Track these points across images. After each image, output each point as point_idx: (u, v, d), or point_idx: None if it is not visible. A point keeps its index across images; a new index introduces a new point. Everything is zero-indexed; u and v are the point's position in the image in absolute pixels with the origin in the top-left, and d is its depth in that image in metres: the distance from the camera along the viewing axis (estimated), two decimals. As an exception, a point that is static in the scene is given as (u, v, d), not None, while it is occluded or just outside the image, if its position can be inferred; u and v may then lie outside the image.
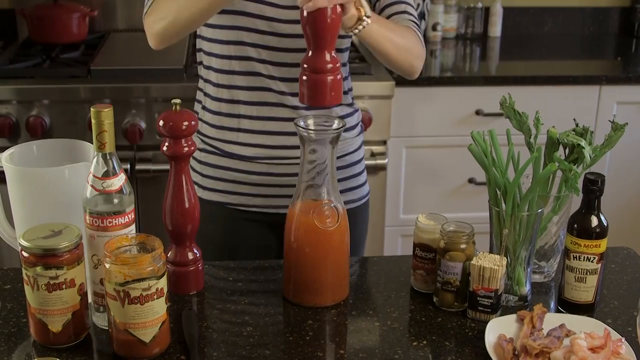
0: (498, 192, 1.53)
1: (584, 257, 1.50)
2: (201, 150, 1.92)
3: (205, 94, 1.91)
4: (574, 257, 1.50)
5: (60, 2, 3.28)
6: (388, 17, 1.85)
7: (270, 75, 1.81)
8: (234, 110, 1.86)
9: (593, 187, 1.48)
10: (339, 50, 1.84)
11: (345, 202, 1.88)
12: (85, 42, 3.30)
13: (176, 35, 1.77)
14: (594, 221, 1.49)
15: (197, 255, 1.59)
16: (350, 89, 1.95)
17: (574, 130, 1.60)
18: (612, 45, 3.79)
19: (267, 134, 1.85)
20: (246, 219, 1.92)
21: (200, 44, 1.90)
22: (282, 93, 1.82)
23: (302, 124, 1.50)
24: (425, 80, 3.08)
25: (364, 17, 1.61)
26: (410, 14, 1.88)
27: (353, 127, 1.95)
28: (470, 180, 3.20)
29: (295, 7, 1.73)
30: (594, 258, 1.49)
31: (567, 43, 3.74)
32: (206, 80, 1.90)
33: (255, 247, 1.90)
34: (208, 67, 1.88)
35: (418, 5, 3.48)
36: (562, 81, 3.13)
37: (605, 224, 1.50)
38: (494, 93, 2.82)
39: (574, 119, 1.68)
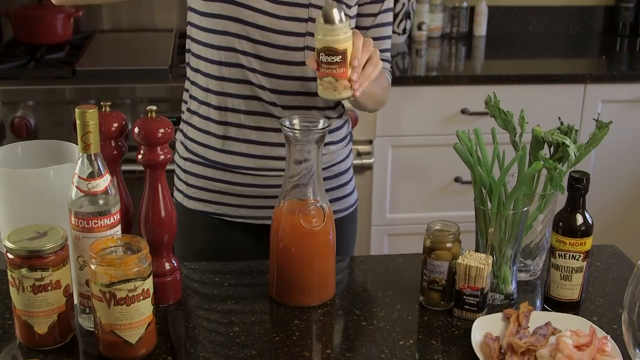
0: (483, 191, 1.53)
1: (570, 255, 1.50)
2: (185, 159, 1.91)
3: (192, 97, 1.88)
4: (559, 255, 1.51)
5: (44, 3, 3.27)
6: None
7: (260, 85, 1.79)
8: (221, 117, 1.83)
9: (578, 186, 1.49)
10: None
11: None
12: (70, 42, 3.29)
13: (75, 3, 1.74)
14: (579, 219, 1.50)
15: (175, 265, 1.56)
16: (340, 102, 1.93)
17: (558, 128, 1.61)
18: (597, 44, 3.80)
19: (253, 144, 1.83)
20: (231, 229, 1.90)
21: (189, 44, 1.87)
22: (272, 104, 1.79)
23: (287, 123, 1.50)
24: (410, 80, 3.08)
25: None
26: (387, 53, 1.91)
27: (342, 140, 1.93)
28: (456, 179, 3.20)
29: (291, 19, 1.72)
30: (580, 256, 1.50)
31: (552, 42, 3.75)
32: (193, 83, 1.87)
33: (241, 257, 1.88)
34: (196, 70, 1.85)
35: (403, 4, 3.48)
36: (547, 80, 3.14)
37: (590, 222, 1.50)
38: (479, 92, 2.82)
39: (559, 118, 1.69)
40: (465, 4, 3.68)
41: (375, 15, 1.85)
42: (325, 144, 1.86)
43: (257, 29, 1.74)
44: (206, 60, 1.81)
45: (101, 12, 3.49)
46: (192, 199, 1.91)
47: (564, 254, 1.50)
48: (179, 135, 1.94)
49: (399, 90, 3.03)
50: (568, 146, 1.54)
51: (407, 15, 3.53)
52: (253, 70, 1.78)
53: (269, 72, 1.78)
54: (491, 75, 3.14)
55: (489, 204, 1.53)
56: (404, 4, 3.49)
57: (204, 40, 1.80)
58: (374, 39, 1.86)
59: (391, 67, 1.94)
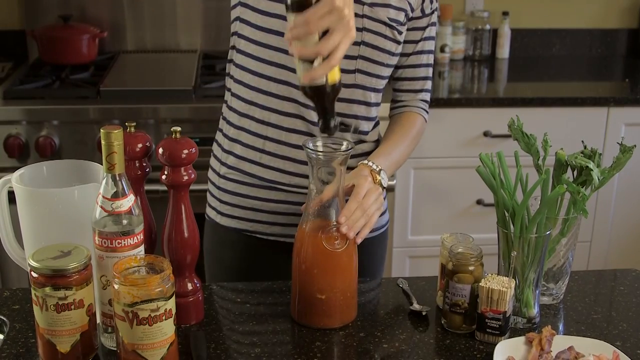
0: (506, 214, 1.53)
1: None
2: (220, 176, 1.91)
3: (232, 109, 1.87)
4: None
5: (70, 23, 3.30)
6: (402, 89, 1.93)
7: (305, 104, 1.78)
8: (262, 132, 1.83)
9: None
10: (381, 77, 1.84)
11: None
12: (94, 63, 3.32)
13: None
14: None
15: (197, 285, 1.57)
16: (377, 116, 1.92)
17: (582, 152, 1.60)
18: (620, 66, 3.79)
19: (290, 161, 1.82)
20: (263, 246, 1.90)
21: (233, 55, 1.86)
22: (313, 123, 1.79)
23: (310, 145, 1.50)
24: (433, 102, 3.07)
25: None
26: (427, 93, 1.95)
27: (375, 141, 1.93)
28: (479, 202, 3.20)
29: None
30: None
31: (575, 65, 3.75)
32: (234, 95, 1.86)
33: (271, 275, 1.87)
34: (239, 82, 1.84)
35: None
36: (570, 103, 3.13)
37: None
38: (502, 114, 2.83)
39: (582, 141, 1.68)
40: (488, 27, 3.69)
41: (416, 42, 1.87)
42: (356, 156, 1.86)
43: None
44: (254, 73, 1.80)
45: (125, 33, 3.51)
46: (225, 215, 1.92)
47: None
48: (215, 149, 1.95)
49: (422, 112, 3.03)
50: (592, 170, 1.53)
51: (430, 38, 3.54)
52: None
53: None
54: (514, 97, 3.14)
55: (511, 227, 1.52)
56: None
57: (254, 53, 1.79)
58: (414, 65, 1.87)
59: (429, 96, 1.97)
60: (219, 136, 1.93)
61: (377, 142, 1.92)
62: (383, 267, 2.05)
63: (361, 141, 1.86)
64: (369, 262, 1.91)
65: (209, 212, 1.96)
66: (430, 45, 1.90)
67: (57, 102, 2.87)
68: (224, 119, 1.91)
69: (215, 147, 1.94)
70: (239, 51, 1.83)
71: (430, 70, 1.94)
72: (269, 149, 1.83)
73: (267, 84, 1.79)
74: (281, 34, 1.72)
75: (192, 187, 1.53)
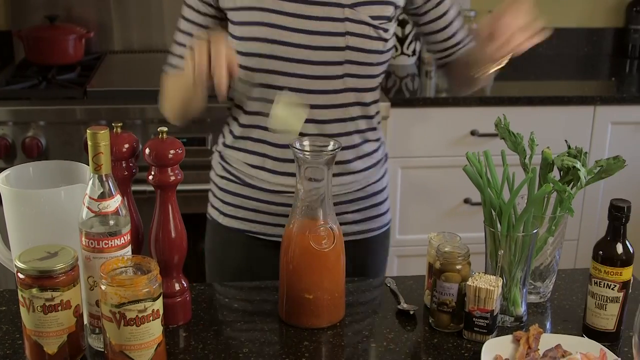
0: (493, 213, 1.53)
1: (605, 284, 1.48)
2: (222, 177, 1.91)
3: (234, 118, 1.88)
4: (595, 283, 1.49)
5: (56, 24, 3.29)
6: (455, 48, 1.96)
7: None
8: (259, 149, 1.83)
9: (617, 214, 1.47)
10: (373, 77, 1.84)
11: (365, 231, 1.88)
12: (81, 63, 3.31)
13: (190, 117, 1.88)
14: (619, 249, 1.47)
15: (185, 286, 1.56)
16: (378, 113, 1.91)
17: (568, 152, 1.61)
18: (607, 65, 3.80)
19: (290, 176, 1.81)
20: (265, 247, 1.90)
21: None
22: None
23: (297, 145, 1.50)
24: (420, 101, 3.09)
25: None
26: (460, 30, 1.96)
27: (377, 163, 1.92)
28: (466, 201, 3.20)
29: (327, 48, 1.72)
30: (615, 286, 1.48)
31: (561, 64, 3.75)
32: (234, 119, 1.88)
33: (272, 276, 1.86)
34: (238, 106, 1.86)
35: (413, 27, 3.49)
36: (556, 102, 3.13)
37: (631, 251, 1.48)
38: (489, 114, 2.82)
39: (566, 141, 1.68)
40: (475, 26, 3.68)
41: (439, 17, 1.91)
42: (360, 171, 1.86)
43: (295, 62, 1.74)
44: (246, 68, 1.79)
45: (112, 33, 3.50)
46: (227, 216, 1.92)
47: (599, 282, 1.49)
48: (216, 155, 1.95)
49: (409, 111, 3.04)
50: (579, 170, 1.54)
51: (417, 37, 3.54)
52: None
53: (311, 103, 1.75)
54: (501, 97, 3.14)
55: (498, 226, 1.53)
56: (413, 26, 3.50)
57: (245, 77, 1.79)
58: (449, 37, 1.93)
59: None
60: (221, 142, 1.93)
61: (380, 142, 1.92)
62: (386, 265, 2.05)
63: (365, 141, 1.86)
64: (372, 261, 1.92)
65: (211, 212, 1.96)
66: (454, 11, 1.90)
67: (43, 103, 2.86)
68: (227, 127, 1.91)
69: (217, 150, 1.94)
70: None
71: (465, 29, 1.94)
72: (269, 166, 1.83)
73: (260, 105, 1.79)
74: (263, 56, 1.74)
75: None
